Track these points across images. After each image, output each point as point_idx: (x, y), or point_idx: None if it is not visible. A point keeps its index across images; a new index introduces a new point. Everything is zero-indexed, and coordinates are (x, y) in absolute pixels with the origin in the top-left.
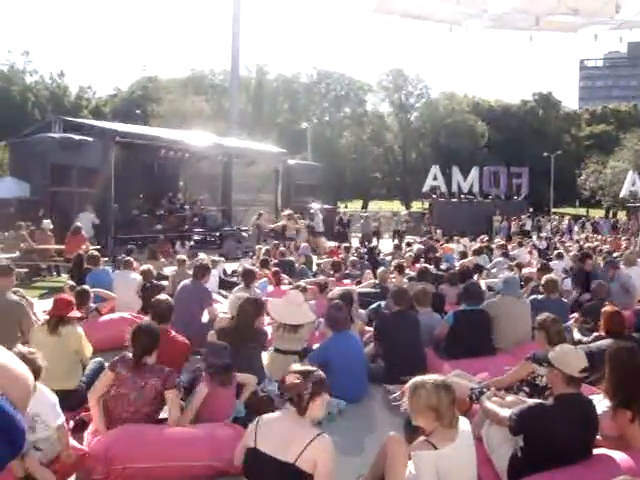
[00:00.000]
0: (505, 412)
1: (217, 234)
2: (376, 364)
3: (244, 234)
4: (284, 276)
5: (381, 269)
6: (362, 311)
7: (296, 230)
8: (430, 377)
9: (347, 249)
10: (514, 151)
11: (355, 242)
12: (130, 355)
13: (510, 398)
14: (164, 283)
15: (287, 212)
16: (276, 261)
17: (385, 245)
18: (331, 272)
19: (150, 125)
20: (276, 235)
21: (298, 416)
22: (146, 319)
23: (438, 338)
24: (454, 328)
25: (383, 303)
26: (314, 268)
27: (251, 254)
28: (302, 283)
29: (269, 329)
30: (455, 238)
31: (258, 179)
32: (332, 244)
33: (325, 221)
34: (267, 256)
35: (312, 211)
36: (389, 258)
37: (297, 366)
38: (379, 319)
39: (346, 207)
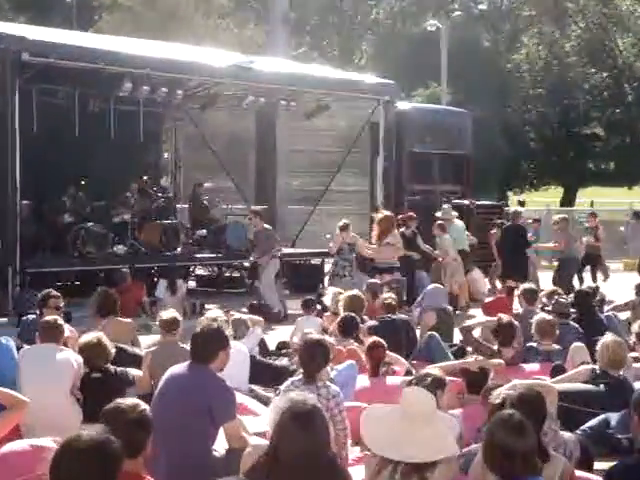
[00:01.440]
0: None
1: (246, 263)
2: None
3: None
4: (393, 356)
5: (607, 340)
6: (568, 435)
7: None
8: None
9: (530, 296)
10: None
11: (548, 279)
12: None
13: None
14: (132, 371)
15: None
16: (375, 322)
17: (614, 285)
18: (495, 346)
19: (99, 31)
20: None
21: None
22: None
23: None
24: None
25: (615, 418)
26: (456, 336)
27: (319, 306)
28: (433, 371)
29: (360, 470)
30: None
31: (334, 146)
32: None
33: (477, 232)
34: (353, 311)
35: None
36: (625, 315)
37: None
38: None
39: (522, 205)
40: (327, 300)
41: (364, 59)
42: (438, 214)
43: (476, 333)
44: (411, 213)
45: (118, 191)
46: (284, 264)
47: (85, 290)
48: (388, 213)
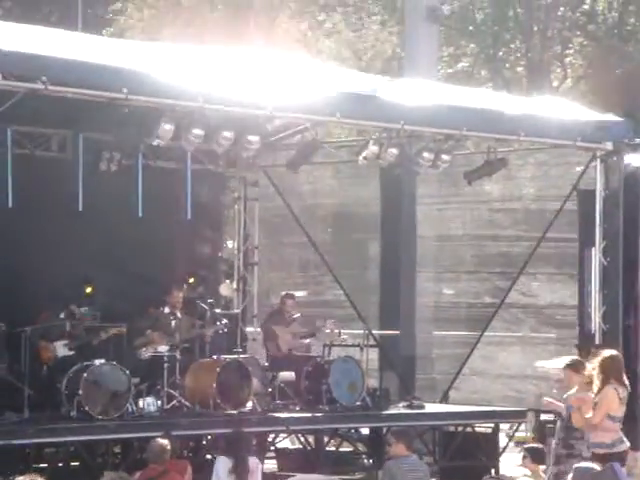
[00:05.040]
0: None
1: (364, 429)
2: None
3: None
4: None
5: None
6: None
7: None
8: None
9: None
10: None
11: None
12: None
13: None
14: None
15: None
16: None
17: None
18: None
19: (120, 34)
20: None
21: None
22: None
23: None
24: None
25: None
26: None
27: None
28: None
29: None
30: None
31: (514, 229)
32: None
33: None
34: None
35: None
36: None
37: None
38: None
39: None
40: None
41: (568, 81)
42: None
43: None
44: None
45: (148, 306)
46: (434, 432)
47: (88, 476)
48: (614, 352)
